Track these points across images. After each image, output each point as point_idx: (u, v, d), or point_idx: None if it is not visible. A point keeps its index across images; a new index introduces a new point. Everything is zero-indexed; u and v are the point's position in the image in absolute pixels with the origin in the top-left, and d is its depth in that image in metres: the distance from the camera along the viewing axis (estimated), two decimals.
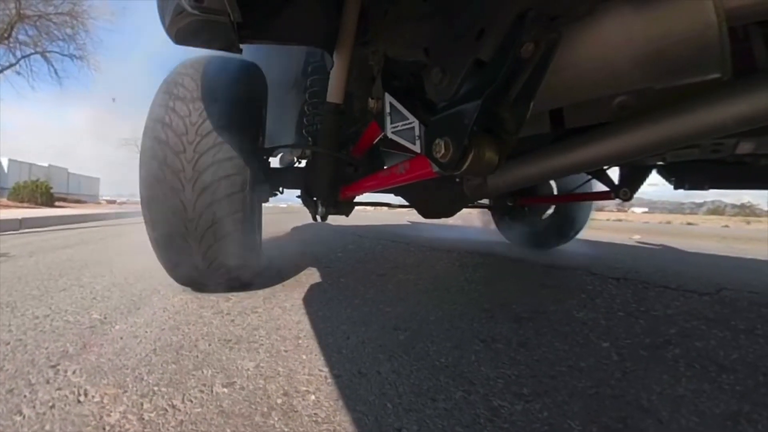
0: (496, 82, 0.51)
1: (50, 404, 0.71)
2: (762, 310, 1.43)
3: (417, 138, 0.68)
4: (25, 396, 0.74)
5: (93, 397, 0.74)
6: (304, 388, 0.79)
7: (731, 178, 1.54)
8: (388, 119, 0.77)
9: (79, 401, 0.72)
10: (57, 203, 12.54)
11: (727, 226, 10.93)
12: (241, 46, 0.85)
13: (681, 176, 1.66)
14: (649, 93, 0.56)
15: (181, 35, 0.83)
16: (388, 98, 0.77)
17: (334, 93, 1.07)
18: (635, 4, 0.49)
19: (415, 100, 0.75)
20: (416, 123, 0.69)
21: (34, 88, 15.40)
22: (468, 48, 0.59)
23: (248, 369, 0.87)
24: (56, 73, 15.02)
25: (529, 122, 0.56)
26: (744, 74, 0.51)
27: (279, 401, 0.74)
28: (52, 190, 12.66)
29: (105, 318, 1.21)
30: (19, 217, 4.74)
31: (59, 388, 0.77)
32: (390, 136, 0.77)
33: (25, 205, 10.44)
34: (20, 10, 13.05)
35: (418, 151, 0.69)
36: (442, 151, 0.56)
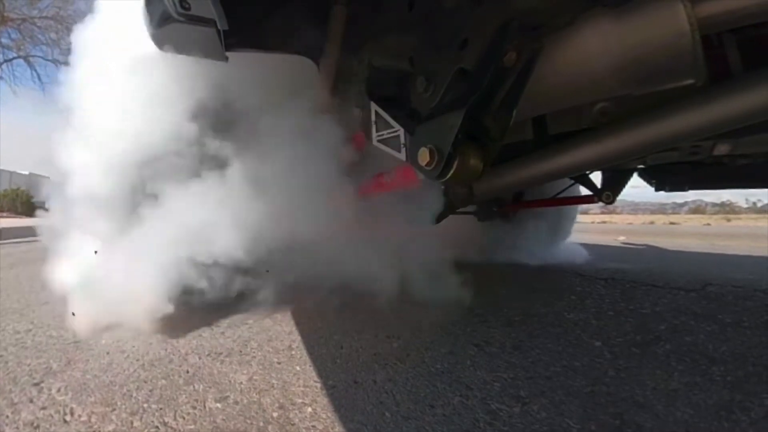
0: (480, 91, 0.53)
1: (34, 425, 0.69)
2: (747, 303, 1.47)
3: (402, 146, 0.69)
4: (7, 417, 0.71)
5: (80, 416, 0.72)
6: (300, 400, 0.78)
7: (710, 179, 1.60)
8: (373, 127, 0.78)
9: (65, 421, 0.70)
10: (38, 213, 12.16)
11: (708, 224, 11.25)
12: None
13: (662, 178, 1.71)
14: (628, 99, 0.58)
15: (166, 42, 0.82)
16: (374, 107, 0.78)
17: (319, 101, 1.08)
18: (613, 16, 0.51)
19: (401, 108, 0.76)
20: (402, 131, 0.70)
21: (16, 93, 14.93)
22: (452, 57, 0.60)
23: (241, 382, 0.86)
24: (39, 78, 14.66)
25: (512, 129, 0.57)
26: (720, 79, 0.53)
27: (275, 415, 0.73)
28: (33, 200, 12.28)
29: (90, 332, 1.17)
30: None
31: (43, 408, 0.74)
32: (376, 144, 0.78)
33: (4, 214, 10.09)
34: (3, 12, 12.73)
35: (404, 159, 0.69)
36: (428, 158, 0.57)
